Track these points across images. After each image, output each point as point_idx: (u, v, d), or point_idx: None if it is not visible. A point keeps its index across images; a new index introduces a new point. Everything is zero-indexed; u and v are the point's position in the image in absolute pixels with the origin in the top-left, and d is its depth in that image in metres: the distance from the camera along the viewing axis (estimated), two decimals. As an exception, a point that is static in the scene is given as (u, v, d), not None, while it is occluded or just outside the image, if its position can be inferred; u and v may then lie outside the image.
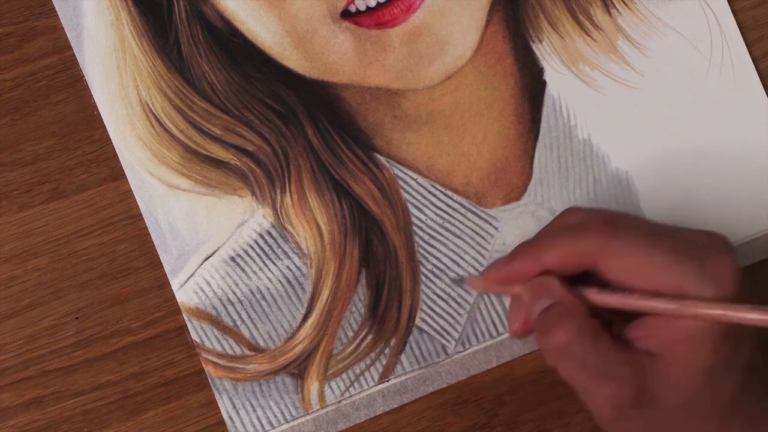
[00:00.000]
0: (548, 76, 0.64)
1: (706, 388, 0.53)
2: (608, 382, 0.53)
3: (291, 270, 0.61)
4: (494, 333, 0.62)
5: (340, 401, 0.61)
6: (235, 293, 0.61)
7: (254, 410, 0.60)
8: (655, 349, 0.54)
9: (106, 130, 0.61)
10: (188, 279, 0.61)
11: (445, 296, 0.62)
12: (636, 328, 0.54)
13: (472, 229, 0.62)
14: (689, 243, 0.54)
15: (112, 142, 0.61)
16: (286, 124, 0.62)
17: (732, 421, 0.55)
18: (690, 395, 0.53)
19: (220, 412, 0.60)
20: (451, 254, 0.62)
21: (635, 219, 0.57)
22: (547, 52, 0.64)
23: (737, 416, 0.55)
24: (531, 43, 0.64)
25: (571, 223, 0.57)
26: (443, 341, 0.62)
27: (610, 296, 0.55)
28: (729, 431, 0.55)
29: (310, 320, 0.61)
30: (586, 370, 0.54)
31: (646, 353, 0.54)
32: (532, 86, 0.64)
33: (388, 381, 0.61)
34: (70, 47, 0.61)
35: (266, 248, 0.61)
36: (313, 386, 0.61)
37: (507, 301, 0.62)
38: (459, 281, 0.61)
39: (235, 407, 0.60)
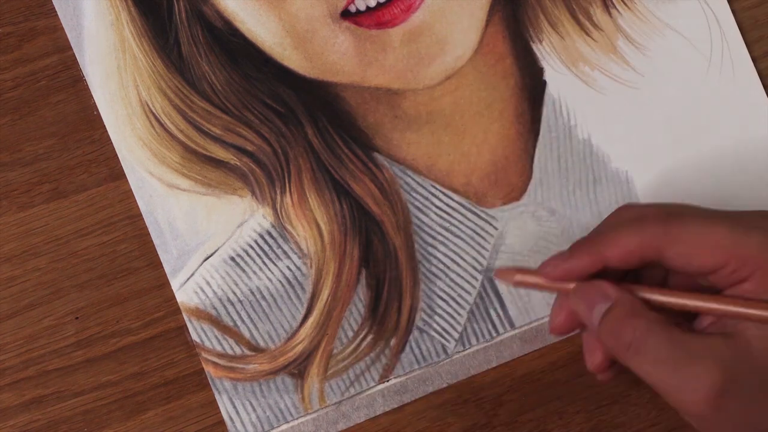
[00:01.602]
0: (548, 76, 0.64)
1: None
2: (692, 370, 0.52)
3: (291, 270, 0.61)
4: (494, 333, 0.62)
5: (340, 401, 0.61)
6: (235, 293, 0.61)
7: (254, 410, 0.60)
8: (730, 329, 0.53)
9: (106, 130, 0.61)
10: (188, 279, 0.61)
11: (445, 296, 0.62)
12: (704, 316, 0.54)
13: (472, 229, 0.62)
14: (751, 218, 0.53)
15: (112, 142, 0.61)
16: (286, 124, 0.62)
17: None
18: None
19: (220, 412, 0.60)
20: (451, 254, 0.62)
21: (693, 206, 0.56)
22: (547, 52, 0.64)
23: None
24: (531, 43, 0.64)
25: (628, 216, 0.55)
26: (443, 341, 0.62)
27: (665, 295, 0.54)
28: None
29: (310, 320, 0.61)
30: (664, 364, 0.52)
31: (722, 336, 0.52)
32: (532, 86, 0.64)
33: (388, 381, 0.61)
34: (70, 47, 0.61)
35: (266, 248, 0.61)
36: (313, 386, 0.61)
37: (507, 301, 0.62)
38: (494, 273, 0.60)
39: (235, 407, 0.60)
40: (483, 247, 0.62)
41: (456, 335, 0.62)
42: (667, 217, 0.54)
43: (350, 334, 0.61)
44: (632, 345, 0.53)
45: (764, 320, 0.52)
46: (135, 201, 0.61)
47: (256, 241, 0.61)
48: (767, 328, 0.52)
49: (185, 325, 0.60)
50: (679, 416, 0.62)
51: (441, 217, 0.62)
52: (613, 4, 0.65)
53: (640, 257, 0.54)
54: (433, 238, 0.62)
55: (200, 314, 0.61)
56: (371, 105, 0.63)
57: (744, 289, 0.53)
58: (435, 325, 0.62)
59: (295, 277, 0.61)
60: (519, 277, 0.57)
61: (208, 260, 0.61)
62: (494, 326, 0.62)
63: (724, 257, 0.53)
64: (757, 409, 0.52)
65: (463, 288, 0.62)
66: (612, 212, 0.57)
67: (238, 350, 0.61)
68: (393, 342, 0.61)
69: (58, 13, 0.61)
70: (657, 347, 0.52)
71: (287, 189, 0.62)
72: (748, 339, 0.52)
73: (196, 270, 0.61)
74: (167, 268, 0.61)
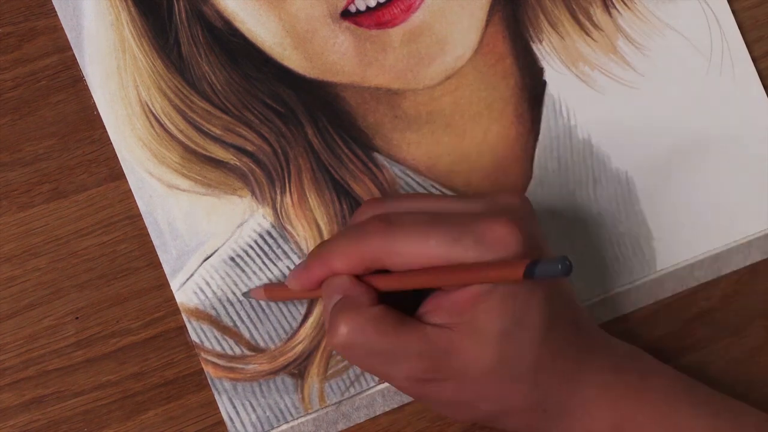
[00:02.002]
0: (548, 76, 0.64)
1: (504, 352, 0.53)
2: (399, 363, 0.54)
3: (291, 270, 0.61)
4: (494, 333, 0.62)
5: (340, 401, 0.61)
6: (235, 293, 0.61)
7: (254, 410, 0.60)
8: (446, 321, 0.54)
9: (106, 130, 0.61)
10: (188, 279, 0.61)
11: (445, 296, 0.62)
12: (424, 304, 0.55)
13: (472, 229, 0.62)
14: (467, 217, 0.54)
15: (112, 142, 0.61)
16: (286, 124, 0.62)
17: (549, 380, 0.55)
18: (488, 362, 0.54)
19: (220, 412, 0.60)
20: (451, 254, 0.62)
21: (418, 202, 0.57)
22: (547, 52, 0.64)
23: (554, 374, 0.55)
24: (531, 43, 0.64)
25: (357, 222, 0.57)
26: (443, 341, 0.62)
27: (389, 278, 0.55)
28: (547, 390, 0.55)
29: (310, 320, 0.61)
30: (375, 356, 0.54)
31: (437, 327, 0.54)
32: (532, 86, 0.64)
33: (388, 381, 0.61)
34: (70, 47, 0.61)
35: (266, 248, 0.61)
36: (313, 386, 0.61)
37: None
38: (245, 294, 0.61)
39: (235, 407, 0.60)
40: (483, 247, 0.62)
41: (456, 335, 0.62)
42: (385, 229, 0.54)
43: (350, 334, 0.61)
44: (343, 341, 0.54)
45: (480, 280, 0.53)
46: (135, 201, 0.61)
47: (256, 242, 0.61)
48: (482, 320, 0.53)
49: (185, 325, 0.60)
50: (679, 416, 0.62)
51: (441, 217, 0.62)
52: (613, 4, 0.65)
53: (365, 268, 0.55)
54: (433, 238, 0.62)
55: (200, 314, 0.61)
56: (371, 105, 0.63)
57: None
58: (435, 325, 0.62)
59: (295, 277, 0.61)
60: (268, 293, 0.60)
61: (207, 260, 0.61)
62: (494, 326, 0.62)
63: (439, 260, 0.53)
64: (464, 396, 0.55)
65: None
66: (359, 208, 0.58)
67: (237, 350, 0.61)
68: (393, 342, 0.61)
69: (58, 13, 0.61)
70: (366, 343, 0.54)
71: (287, 189, 0.62)
72: (461, 332, 0.53)
73: (196, 270, 0.61)
74: (167, 269, 0.61)
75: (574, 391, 0.55)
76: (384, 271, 0.55)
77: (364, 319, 0.54)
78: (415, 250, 0.54)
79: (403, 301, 0.56)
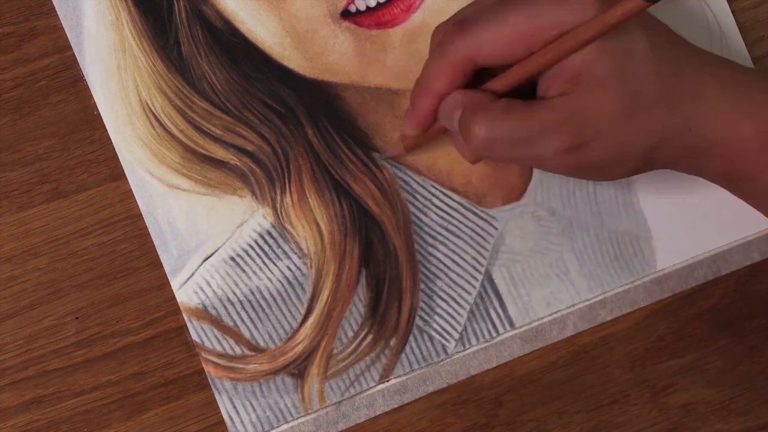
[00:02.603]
0: (548, 76, 0.64)
1: (628, 86, 0.54)
2: (543, 140, 0.54)
3: (291, 270, 0.61)
4: (494, 333, 0.62)
5: (340, 401, 0.61)
6: (235, 293, 0.61)
7: (254, 410, 0.60)
8: (566, 87, 0.54)
9: (106, 130, 0.61)
10: (188, 279, 0.61)
11: (445, 296, 0.62)
12: (541, 83, 0.55)
13: (472, 229, 0.62)
14: None
15: (112, 142, 0.61)
16: (286, 124, 0.62)
17: (681, 97, 0.55)
18: (619, 103, 0.54)
19: (220, 412, 0.60)
20: (451, 254, 0.62)
21: (488, 4, 0.57)
22: (547, 52, 0.64)
23: (684, 89, 0.55)
24: (531, 43, 0.64)
25: (435, 42, 0.57)
26: (443, 341, 0.62)
27: (496, 80, 0.56)
28: (682, 107, 0.55)
29: (310, 320, 0.61)
30: (519, 143, 0.54)
31: (562, 95, 0.54)
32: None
33: (388, 381, 0.61)
34: (70, 47, 0.61)
35: (266, 248, 0.61)
36: (313, 386, 0.61)
37: (507, 301, 0.62)
38: (383, 156, 0.62)
39: (235, 407, 0.60)
40: (483, 247, 0.62)
41: (456, 335, 0.62)
42: (462, 27, 0.55)
43: (350, 334, 0.61)
44: (484, 138, 0.55)
45: (589, 38, 0.53)
46: (135, 201, 0.61)
47: (256, 241, 0.61)
48: (597, 67, 0.53)
49: (185, 325, 0.60)
50: (678, 416, 0.62)
51: (441, 217, 0.62)
52: (613, 4, 0.64)
53: (462, 75, 0.56)
54: (433, 238, 0.62)
55: (200, 314, 0.61)
56: (371, 105, 0.63)
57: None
58: (435, 325, 0.62)
59: (295, 277, 0.61)
60: (399, 147, 0.60)
61: (208, 260, 0.61)
62: (494, 326, 0.62)
63: (527, 41, 0.54)
64: (612, 148, 0.55)
65: (463, 288, 0.62)
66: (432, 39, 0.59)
67: (238, 350, 0.61)
68: (393, 342, 0.61)
69: (58, 13, 0.61)
70: (506, 132, 0.54)
71: (287, 189, 0.62)
72: (585, 87, 0.54)
73: (196, 270, 0.61)
74: (167, 268, 0.61)
75: (703, 99, 0.55)
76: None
77: (495, 112, 0.54)
78: (496, 34, 0.54)
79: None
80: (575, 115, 0.54)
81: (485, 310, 0.62)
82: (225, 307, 0.61)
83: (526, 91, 0.56)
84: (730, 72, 0.56)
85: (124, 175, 0.61)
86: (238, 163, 0.62)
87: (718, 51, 0.64)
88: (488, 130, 0.54)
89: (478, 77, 0.56)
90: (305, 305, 0.61)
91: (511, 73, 0.55)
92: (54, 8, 0.61)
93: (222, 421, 0.60)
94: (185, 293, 0.61)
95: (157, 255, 0.61)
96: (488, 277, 0.62)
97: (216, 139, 0.61)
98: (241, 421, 0.60)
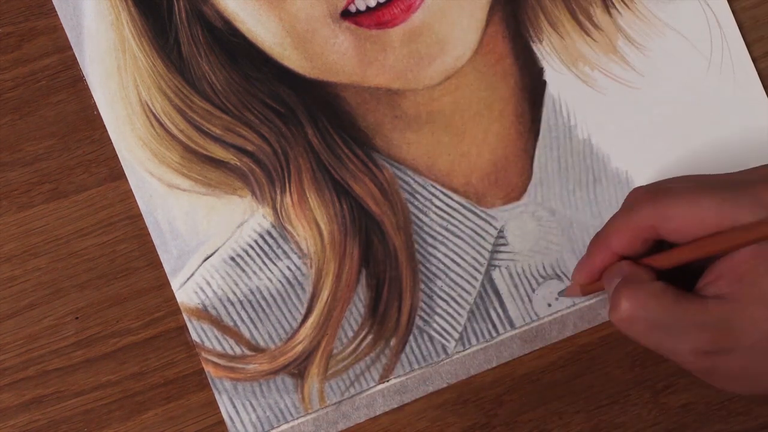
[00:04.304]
0: (548, 76, 0.64)
1: None
2: (682, 336, 0.54)
3: (291, 270, 0.61)
4: (494, 333, 0.62)
5: (340, 401, 0.61)
6: (235, 293, 0.61)
7: (254, 410, 0.60)
8: (725, 291, 0.54)
9: (106, 130, 0.61)
10: (188, 279, 0.61)
11: (445, 296, 0.62)
12: (703, 278, 0.55)
13: (472, 229, 0.62)
14: (740, 182, 0.55)
15: (112, 142, 0.61)
16: (286, 124, 0.62)
17: None
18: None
19: (220, 412, 0.60)
20: (451, 254, 0.62)
21: (684, 179, 0.58)
22: (547, 52, 0.64)
23: None
24: (531, 43, 0.64)
25: (627, 202, 0.58)
26: (443, 341, 0.62)
27: (665, 255, 0.56)
28: None
29: (310, 320, 0.61)
30: (658, 330, 0.54)
31: (717, 298, 0.54)
32: (532, 86, 0.64)
33: (388, 381, 0.61)
34: (70, 47, 0.61)
35: (266, 248, 0.61)
36: (313, 386, 0.61)
37: (507, 301, 0.62)
38: (561, 293, 0.62)
39: (235, 407, 0.60)
40: (483, 247, 0.62)
41: (456, 335, 0.62)
42: (655, 196, 0.56)
43: (350, 334, 0.61)
44: (627, 315, 0.55)
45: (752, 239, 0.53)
46: (135, 201, 0.61)
47: (256, 241, 0.61)
48: (761, 281, 0.53)
49: (185, 325, 0.60)
50: (678, 416, 0.62)
51: (441, 217, 0.62)
52: (613, 4, 0.64)
53: (643, 240, 0.56)
54: (433, 238, 0.62)
55: (200, 314, 0.61)
56: (371, 105, 0.63)
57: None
58: (435, 325, 0.62)
59: (295, 277, 0.61)
60: (583, 289, 0.60)
61: (208, 260, 0.61)
62: (494, 326, 0.62)
63: (712, 226, 0.54)
64: (754, 367, 0.54)
65: (463, 288, 0.62)
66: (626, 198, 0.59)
67: (238, 350, 0.61)
68: (393, 342, 0.61)
69: (58, 13, 0.61)
70: (649, 315, 0.54)
71: (287, 189, 0.62)
72: (740, 298, 0.53)
73: (196, 270, 0.61)
74: (167, 268, 0.61)
75: None
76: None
77: (645, 293, 0.54)
78: (686, 212, 0.54)
79: (681, 282, 0.56)
80: (725, 323, 0.53)
81: (485, 310, 0.62)
82: (225, 307, 0.61)
83: (687, 279, 0.56)
84: None
85: (124, 175, 0.61)
86: (238, 163, 0.62)
87: (719, 51, 0.64)
88: (631, 308, 0.55)
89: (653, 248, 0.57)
90: (305, 305, 0.61)
91: (677, 252, 0.55)
92: (54, 8, 0.61)
93: (222, 421, 0.60)
94: (185, 293, 0.61)
95: (157, 255, 0.61)
96: (488, 277, 0.62)
97: (216, 139, 0.61)
98: (241, 421, 0.60)
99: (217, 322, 0.61)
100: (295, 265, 0.61)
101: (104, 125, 0.61)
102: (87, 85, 0.61)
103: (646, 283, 0.55)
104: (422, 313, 0.62)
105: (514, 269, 0.62)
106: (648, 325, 0.54)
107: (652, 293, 0.54)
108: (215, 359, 0.60)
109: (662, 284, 0.55)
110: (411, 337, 0.62)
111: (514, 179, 0.63)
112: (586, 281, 0.59)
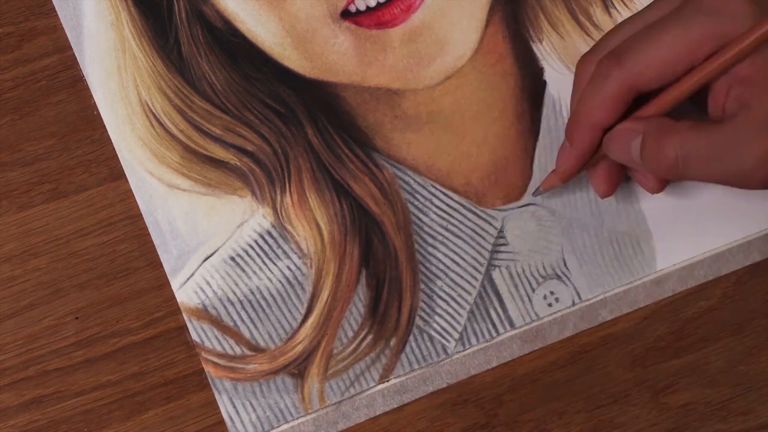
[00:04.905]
0: (548, 76, 0.64)
1: None
2: (745, 149, 0.53)
3: (291, 270, 0.61)
4: (494, 333, 0.62)
5: (340, 401, 0.61)
6: (235, 293, 0.61)
7: (254, 410, 0.60)
8: (747, 96, 0.54)
9: (106, 130, 0.61)
10: (188, 279, 0.61)
11: (445, 296, 0.62)
12: (712, 101, 0.55)
13: (472, 229, 0.62)
14: (679, 8, 0.55)
15: (112, 142, 0.61)
16: (286, 124, 0.62)
17: None
18: None
19: (220, 412, 0.60)
20: (451, 254, 0.62)
21: (622, 28, 0.58)
22: (547, 52, 0.64)
23: None
24: (531, 43, 0.64)
25: (593, 76, 0.57)
26: (443, 341, 0.62)
27: (663, 95, 0.56)
28: None
29: (310, 320, 0.61)
30: (717, 159, 0.54)
31: (749, 106, 0.53)
32: (532, 86, 0.64)
33: (388, 381, 0.61)
34: (70, 47, 0.61)
35: (266, 248, 0.61)
36: (313, 386, 0.61)
37: (507, 301, 0.62)
38: (537, 191, 0.62)
39: (235, 407, 0.60)
40: (483, 247, 0.62)
41: (456, 335, 0.62)
42: (619, 59, 0.55)
43: (350, 334, 0.61)
44: (679, 161, 0.54)
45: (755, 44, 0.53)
46: (135, 201, 0.61)
47: (256, 241, 0.61)
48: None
49: (185, 325, 0.60)
50: (678, 416, 0.62)
51: (441, 217, 0.62)
52: (613, 4, 0.65)
53: (625, 104, 0.56)
54: (433, 238, 0.62)
55: (200, 314, 0.61)
56: (371, 105, 0.63)
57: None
58: (435, 325, 0.62)
59: (295, 277, 0.61)
60: (554, 179, 0.60)
61: (208, 260, 0.61)
62: (494, 326, 0.62)
63: (687, 59, 0.54)
64: None
65: (463, 288, 0.62)
66: (577, 72, 0.59)
67: (238, 350, 0.61)
68: (393, 342, 0.61)
69: (58, 13, 0.61)
70: (701, 151, 0.54)
71: (287, 189, 0.62)
72: (756, 92, 0.53)
73: (196, 270, 0.61)
74: (167, 268, 0.61)
75: None
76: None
77: (684, 132, 0.54)
78: (656, 53, 0.54)
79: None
80: (765, 125, 0.53)
81: (485, 310, 0.62)
82: (225, 307, 0.61)
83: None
84: None
85: (124, 175, 0.61)
86: (238, 163, 0.62)
87: (718, 51, 0.64)
88: (682, 150, 0.54)
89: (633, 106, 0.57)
90: (305, 305, 0.61)
91: (675, 90, 0.55)
92: (54, 8, 0.61)
93: (222, 421, 0.60)
94: (185, 293, 0.61)
95: (157, 255, 0.61)
96: (488, 277, 0.62)
97: (216, 139, 0.61)
98: (241, 421, 0.60)
99: (217, 322, 0.61)
100: (295, 265, 0.61)
101: (104, 125, 0.61)
102: (87, 85, 0.61)
103: (676, 124, 0.55)
104: (422, 313, 0.62)
105: (514, 269, 0.62)
106: (704, 158, 0.54)
107: (689, 129, 0.54)
108: (215, 359, 0.60)
109: (690, 120, 0.55)
110: (411, 337, 0.62)
111: (514, 179, 0.63)
112: (580, 164, 0.58)
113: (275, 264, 0.61)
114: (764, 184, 0.55)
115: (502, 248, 0.62)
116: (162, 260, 0.61)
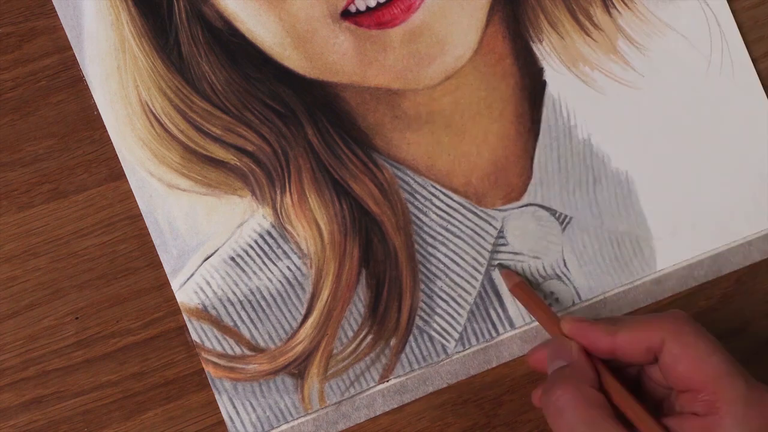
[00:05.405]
0: (548, 76, 0.64)
1: None
2: None
3: (291, 270, 0.61)
4: (494, 333, 0.62)
5: (340, 401, 0.61)
6: (235, 293, 0.61)
7: (254, 410, 0.60)
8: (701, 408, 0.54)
9: (106, 130, 0.61)
10: (188, 279, 0.61)
11: (445, 296, 0.62)
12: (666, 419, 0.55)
13: (472, 229, 0.62)
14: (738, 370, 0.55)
15: (112, 142, 0.61)
16: (286, 124, 0.62)
17: None
18: None
19: (220, 412, 0.60)
20: (451, 254, 0.62)
21: (696, 327, 0.57)
22: (547, 52, 0.64)
23: None
24: (531, 43, 0.64)
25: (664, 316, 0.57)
26: (443, 341, 0.62)
27: (622, 392, 0.56)
28: None
29: (310, 320, 0.61)
30: None
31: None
32: (532, 86, 0.64)
33: (388, 381, 0.61)
34: (70, 47, 0.61)
35: (266, 248, 0.61)
36: (313, 386, 0.61)
37: (507, 301, 0.62)
38: (500, 266, 0.62)
39: (235, 407, 0.60)
40: (483, 247, 0.62)
41: (456, 335, 0.62)
42: (677, 334, 0.55)
43: (350, 334, 0.61)
44: (556, 407, 0.54)
45: None
46: (135, 201, 0.61)
47: (256, 241, 0.61)
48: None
49: (185, 325, 0.60)
50: (679, 416, 0.62)
51: (441, 217, 0.62)
52: (613, 4, 0.65)
53: (646, 353, 0.56)
54: (433, 238, 0.62)
55: (200, 314, 0.61)
56: (371, 105, 0.63)
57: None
58: (435, 325, 0.62)
59: (295, 277, 0.61)
60: (518, 289, 0.61)
61: (208, 260, 0.61)
62: (494, 326, 0.62)
63: (703, 379, 0.54)
64: None
65: (463, 288, 0.62)
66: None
67: (238, 350, 0.61)
68: (393, 342, 0.61)
69: (58, 13, 0.61)
70: (573, 419, 0.54)
71: (287, 189, 0.62)
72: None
73: (196, 270, 0.61)
74: (167, 268, 0.61)
75: None
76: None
77: (584, 396, 0.54)
78: (697, 362, 0.54)
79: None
80: None
81: (485, 310, 0.62)
82: (225, 307, 0.61)
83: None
84: None
85: (124, 175, 0.61)
86: (238, 163, 0.62)
87: (718, 51, 0.65)
88: (564, 403, 0.54)
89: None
90: (305, 305, 0.61)
91: (622, 402, 0.56)
92: (54, 8, 0.61)
93: (222, 421, 0.60)
94: (185, 293, 0.61)
95: (157, 255, 0.61)
96: (488, 277, 0.62)
97: (216, 139, 0.61)
98: (241, 421, 0.60)
99: (217, 322, 0.61)
100: (295, 265, 0.61)
101: (104, 125, 0.61)
102: (87, 85, 0.61)
103: (587, 387, 0.55)
104: (422, 313, 0.62)
105: (514, 269, 0.62)
106: (568, 427, 0.54)
107: (587, 400, 0.54)
108: (215, 359, 0.60)
109: (601, 398, 0.55)
110: (411, 337, 0.62)
111: (514, 179, 0.63)
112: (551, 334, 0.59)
113: (275, 264, 0.61)
114: None
115: (502, 248, 0.62)
116: (162, 260, 0.61)
